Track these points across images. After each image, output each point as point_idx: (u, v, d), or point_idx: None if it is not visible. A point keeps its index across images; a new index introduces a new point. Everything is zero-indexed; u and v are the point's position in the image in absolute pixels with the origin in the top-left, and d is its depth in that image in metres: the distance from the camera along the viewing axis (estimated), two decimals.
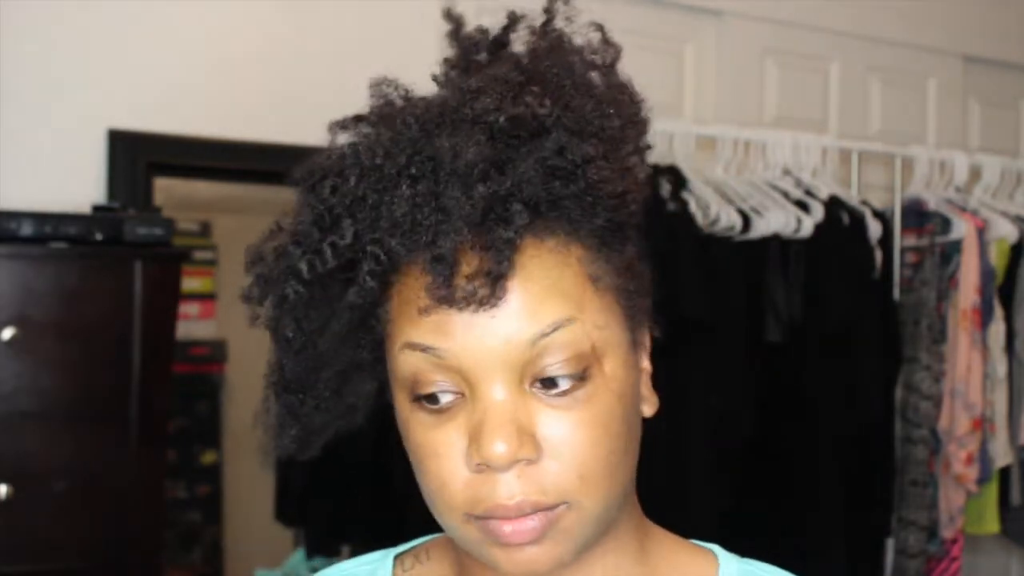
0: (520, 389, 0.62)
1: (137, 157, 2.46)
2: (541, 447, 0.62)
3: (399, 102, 0.68)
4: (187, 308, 3.14)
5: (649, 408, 0.71)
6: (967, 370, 2.79)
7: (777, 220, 2.55)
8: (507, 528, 0.62)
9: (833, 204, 2.65)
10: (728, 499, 2.45)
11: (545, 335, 0.62)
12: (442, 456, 0.63)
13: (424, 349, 0.63)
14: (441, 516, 0.65)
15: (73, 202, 2.28)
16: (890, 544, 2.85)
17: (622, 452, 0.64)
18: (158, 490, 2.12)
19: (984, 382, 2.84)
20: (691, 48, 3.24)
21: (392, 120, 0.66)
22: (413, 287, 0.63)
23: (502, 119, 0.62)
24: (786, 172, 2.74)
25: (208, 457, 3.40)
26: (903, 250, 2.90)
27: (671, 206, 2.46)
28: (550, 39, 0.69)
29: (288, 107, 2.55)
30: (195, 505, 3.36)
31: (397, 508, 2.16)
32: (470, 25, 0.72)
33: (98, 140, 2.44)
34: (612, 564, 0.70)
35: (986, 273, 2.85)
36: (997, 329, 2.88)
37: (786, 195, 2.65)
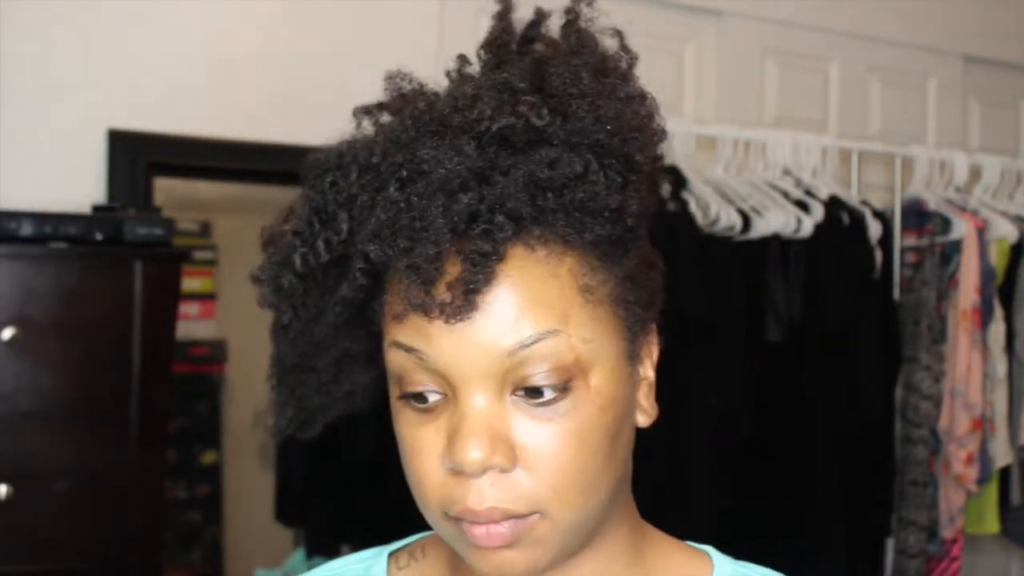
0: (500, 397, 0.63)
1: (137, 157, 2.46)
2: (516, 456, 0.62)
3: (411, 96, 0.68)
4: (187, 308, 3.14)
5: (645, 419, 0.70)
6: (967, 370, 2.79)
7: (777, 220, 2.55)
8: (478, 531, 0.63)
9: (833, 204, 2.65)
10: (728, 499, 2.45)
11: (525, 346, 0.61)
12: (422, 454, 0.64)
13: (408, 350, 0.63)
14: (422, 511, 0.66)
15: (73, 202, 2.28)
16: (890, 544, 2.85)
17: (601, 465, 0.64)
18: (158, 490, 2.12)
19: (984, 382, 2.84)
20: (691, 48, 3.24)
21: (400, 117, 0.66)
22: (398, 289, 0.63)
23: (493, 128, 0.62)
24: (786, 172, 2.74)
25: (208, 457, 3.40)
26: (903, 250, 2.90)
27: (671, 206, 2.46)
28: (567, 43, 0.68)
29: (288, 107, 2.55)
30: (195, 505, 3.36)
31: (397, 508, 2.15)
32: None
33: (98, 140, 2.44)
34: (603, 566, 0.70)
35: (986, 273, 2.85)
36: (997, 329, 2.88)
37: (786, 195, 2.65)
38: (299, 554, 2.61)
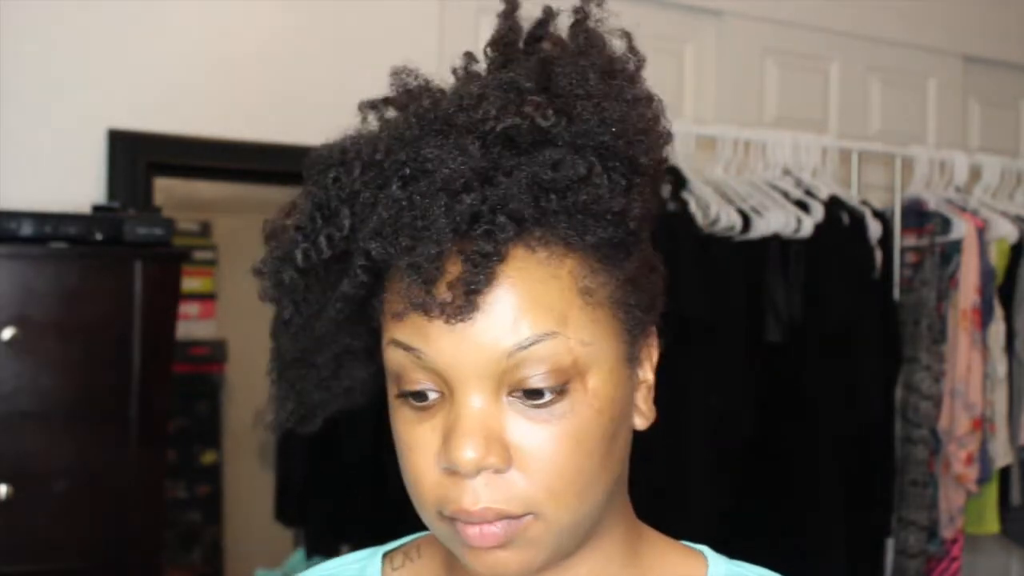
0: (497, 397, 0.63)
1: (137, 157, 2.46)
2: (511, 457, 0.62)
3: (416, 93, 0.67)
4: (187, 308, 3.14)
5: (642, 422, 0.70)
6: (967, 370, 2.79)
7: (777, 220, 2.55)
8: (472, 531, 0.63)
9: (833, 204, 2.65)
10: (728, 499, 2.45)
11: (523, 347, 0.61)
12: (417, 452, 0.64)
13: (407, 348, 0.63)
14: (418, 510, 0.66)
15: (73, 202, 2.28)
16: (890, 544, 2.85)
17: (597, 467, 0.64)
18: (158, 490, 2.12)
19: (984, 382, 2.84)
20: (691, 48, 3.24)
21: (404, 114, 0.66)
22: (398, 287, 0.63)
23: (498, 128, 0.62)
24: (786, 172, 2.74)
25: (208, 457, 3.40)
26: (903, 250, 2.90)
27: (671, 206, 2.46)
28: (575, 43, 0.67)
29: (288, 107, 2.56)
30: (195, 505, 3.36)
31: (397, 508, 2.15)
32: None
33: (98, 140, 2.44)
34: (599, 567, 0.70)
35: (986, 273, 2.85)
36: (997, 329, 2.88)
37: (786, 195, 2.65)
38: (299, 554, 2.61)
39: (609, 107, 0.64)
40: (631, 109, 0.65)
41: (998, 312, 2.89)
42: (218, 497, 3.40)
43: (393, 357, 0.64)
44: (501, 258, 0.61)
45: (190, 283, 3.06)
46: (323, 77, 2.60)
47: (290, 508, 2.62)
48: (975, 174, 3.07)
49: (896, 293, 2.85)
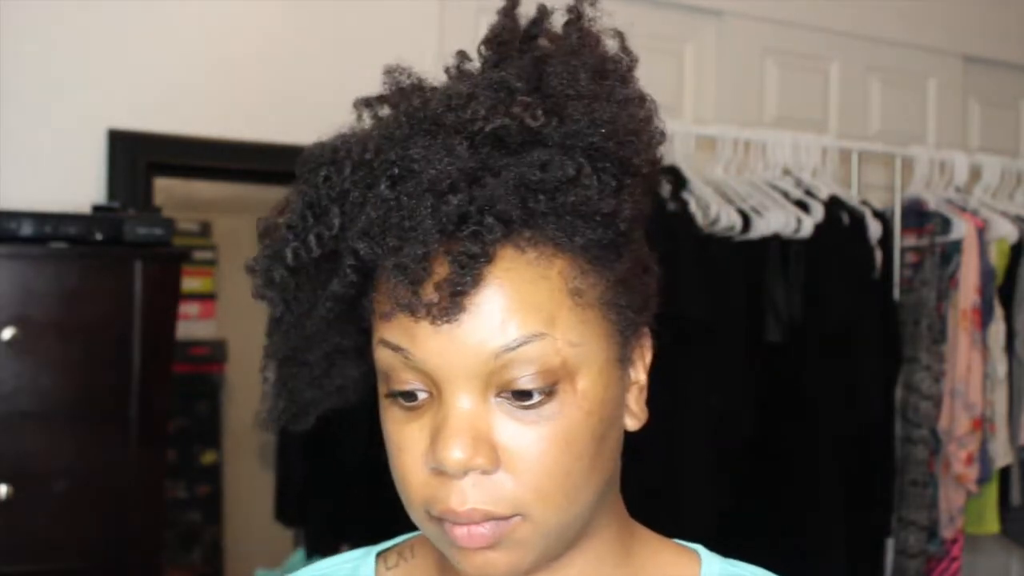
0: (485, 398, 0.62)
1: (137, 157, 2.46)
2: (499, 458, 0.62)
3: (409, 91, 0.67)
4: (187, 308, 3.14)
5: (634, 423, 0.70)
6: (967, 370, 2.79)
7: (777, 220, 2.55)
8: (460, 532, 0.63)
9: (833, 204, 2.65)
10: (728, 499, 2.45)
11: (510, 349, 0.61)
12: (406, 452, 0.64)
13: (395, 348, 0.63)
14: (407, 509, 0.66)
15: (73, 202, 2.28)
16: (890, 544, 2.85)
17: (586, 469, 0.64)
18: (158, 490, 2.12)
19: (984, 382, 2.84)
20: (691, 48, 3.24)
21: (395, 113, 0.66)
22: (386, 287, 0.63)
23: (487, 128, 0.62)
24: (786, 172, 2.74)
25: (208, 457, 3.41)
26: (903, 250, 2.90)
27: (671, 206, 2.46)
28: (568, 42, 0.67)
29: (288, 107, 2.55)
30: (195, 505, 3.36)
31: (396, 507, 2.15)
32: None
33: (98, 140, 2.44)
34: (591, 567, 0.70)
35: (986, 273, 2.85)
36: (997, 329, 2.88)
37: (786, 195, 2.65)
38: (299, 554, 2.61)
39: (599, 108, 0.64)
40: (622, 110, 0.65)
41: (998, 312, 2.89)
42: (218, 497, 3.40)
43: (382, 357, 0.64)
44: (489, 259, 0.61)
45: (190, 283, 3.06)
46: (323, 77, 2.60)
47: (290, 508, 2.62)
48: (975, 174, 3.07)
49: (896, 293, 2.85)
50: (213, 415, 3.42)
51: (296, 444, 2.47)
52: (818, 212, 2.61)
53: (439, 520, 0.63)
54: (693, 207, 2.48)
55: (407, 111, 0.65)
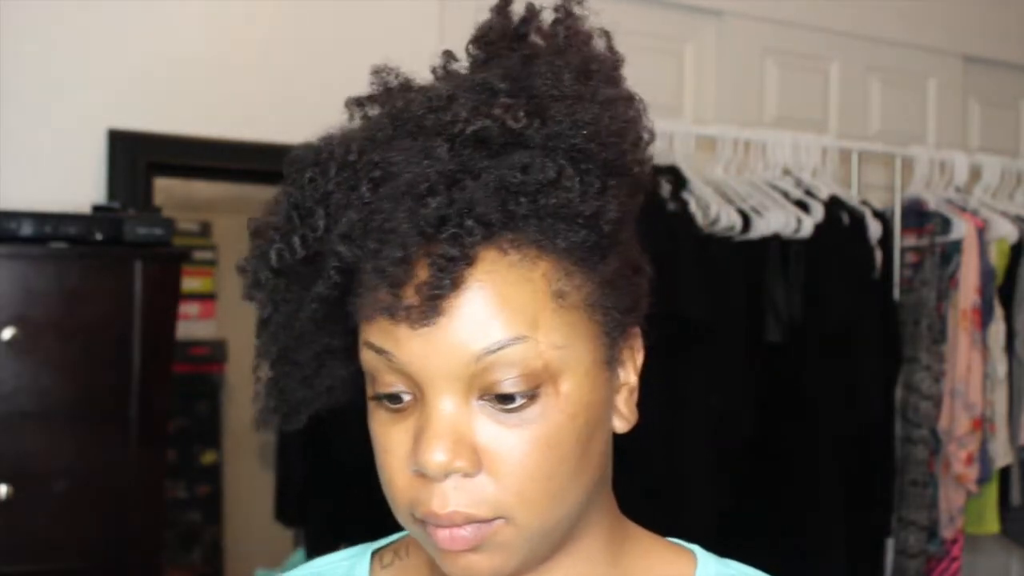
0: (467, 401, 0.62)
1: (137, 157, 2.46)
2: (481, 461, 0.62)
3: (396, 92, 0.67)
4: (187, 308, 3.14)
5: (623, 425, 0.69)
6: (967, 370, 2.79)
7: (777, 220, 2.55)
8: (442, 534, 0.63)
9: (833, 204, 2.65)
10: (728, 499, 2.45)
11: (491, 351, 0.61)
12: (391, 454, 0.64)
13: (378, 351, 0.63)
14: (393, 511, 0.66)
15: (73, 202, 2.28)
16: (890, 544, 2.85)
17: (570, 472, 0.63)
18: (158, 490, 2.12)
19: (984, 382, 2.84)
20: (691, 48, 3.24)
21: (379, 114, 0.66)
22: (368, 290, 0.63)
23: (468, 130, 0.61)
24: (786, 172, 2.74)
25: (208, 457, 3.40)
26: (903, 250, 2.90)
27: (671, 206, 2.46)
28: (554, 42, 0.67)
29: (288, 107, 2.55)
30: (195, 505, 3.36)
31: None
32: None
33: (98, 140, 2.44)
34: (581, 569, 0.70)
35: (986, 273, 2.85)
36: (997, 329, 2.89)
37: (786, 195, 2.65)
38: (299, 554, 2.61)
39: (582, 108, 0.63)
40: (604, 110, 0.64)
41: (998, 312, 2.89)
42: (218, 497, 3.40)
43: (367, 359, 0.64)
44: (469, 262, 0.60)
45: (190, 283, 3.06)
46: (323, 77, 2.60)
47: (290, 508, 2.62)
48: (975, 174, 3.07)
49: (896, 293, 2.85)
50: (213, 415, 3.42)
51: (296, 444, 2.47)
52: (818, 212, 2.61)
53: (423, 522, 0.63)
54: (693, 207, 2.48)
55: (390, 112, 0.65)
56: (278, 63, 2.61)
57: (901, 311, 2.85)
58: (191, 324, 3.23)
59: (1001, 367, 2.88)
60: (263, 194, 0.69)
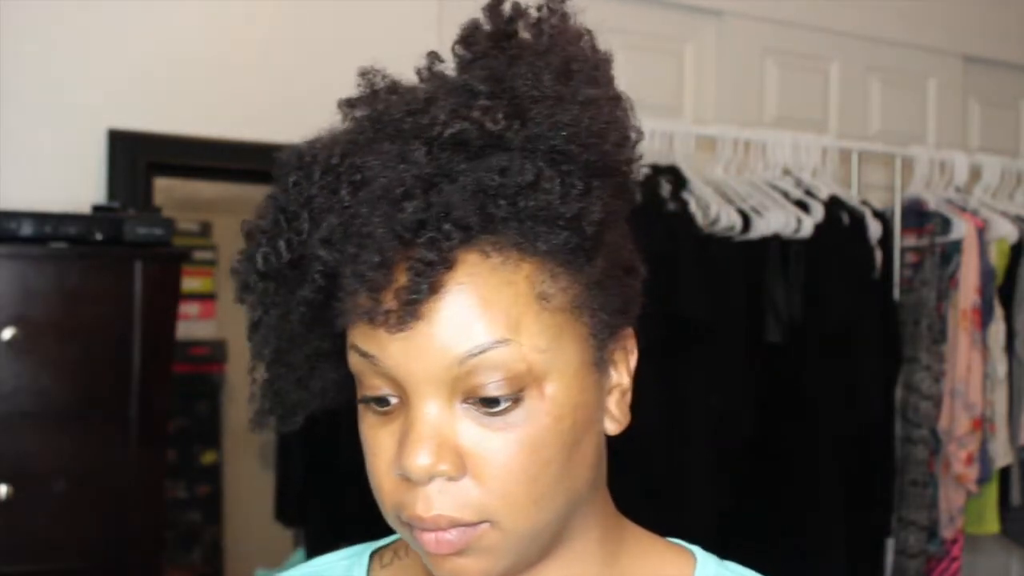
0: (450, 404, 0.62)
1: (137, 157, 2.46)
2: (465, 465, 0.62)
3: (382, 94, 0.67)
4: (187, 308, 3.13)
5: (614, 427, 0.69)
6: (967, 370, 2.79)
7: (777, 220, 2.55)
8: (427, 537, 0.62)
9: (833, 204, 2.65)
10: (728, 499, 2.45)
11: (473, 355, 0.60)
12: (379, 457, 0.64)
13: (363, 354, 0.63)
14: (382, 514, 0.66)
15: (73, 202, 2.28)
16: (890, 544, 2.85)
17: (556, 476, 0.63)
18: (158, 490, 2.12)
19: (984, 382, 2.84)
20: (691, 48, 3.24)
21: (360, 118, 0.66)
22: (349, 294, 0.63)
23: (446, 133, 0.61)
24: (786, 172, 2.74)
25: (208, 457, 3.40)
26: (903, 250, 2.90)
27: (671, 206, 2.46)
28: (538, 42, 0.66)
29: (288, 107, 2.55)
30: (195, 505, 3.36)
31: None
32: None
33: (98, 140, 2.44)
34: (574, 568, 0.70)
35: (986, 273, 2.85)
36: (997, 329, 2.89)
37: (786, 195, 2.65)
38: (299, 554, 2.61)
39: (561, 110, 0.62)
40: (584, 111, 0.63)
41: (998, 312, 2.89)
42: (218, 497, 3.40)
43: (353, 362, 0.64)
44: (449, 265, 0.60)
45: (190, 283, 3.05)
46: (323, 77, 2.58)
47: (290, 508, 2.62)
48: (975, 174, 3.07)
49: (896, 293, 2.85)
50: (213, 415, 3.42)
51: (296, 444, 2.47)
52: (818, 212, 2.61)
53: (409, 525, 0.63)
54: (693, 207, 2.48)
55: (371, 115, 0.64)
56: (278, 63, 2.61)
57: (901, 311, 2.85)
58: (191, 324, 3.22)
59: (1001, 367, 2.88)
60: (263, 194, 0.69)
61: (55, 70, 2.41)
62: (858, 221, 2.68)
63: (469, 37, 0.67)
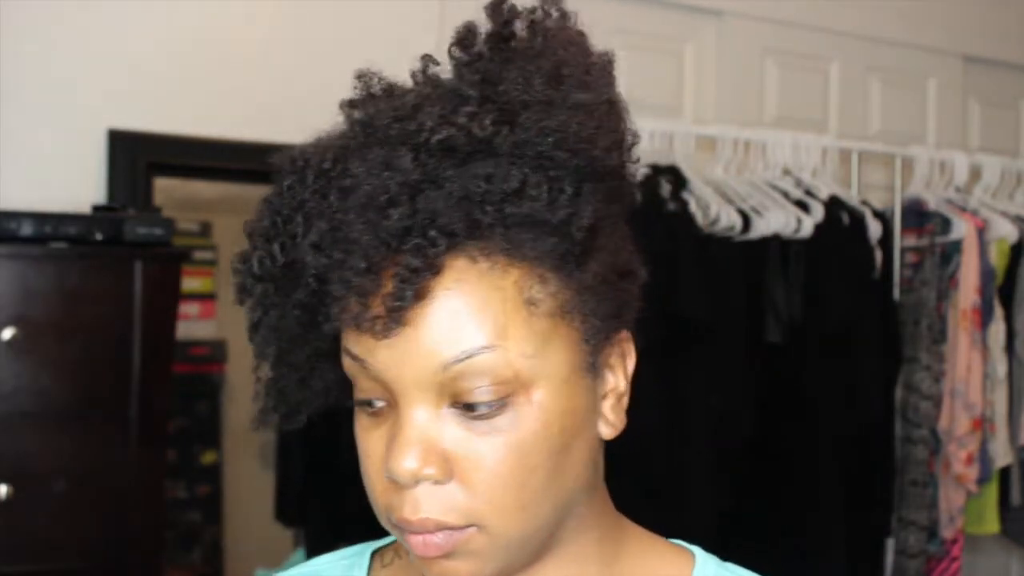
0: (437, 409, 0.62)
1: (137, 157, 2.46)
2: (452, 469, 0.62)
3: (378, 97, 0.67)
4: (187, 308, 3.14)
5: (609, 431, 0.68)
6: (967, 370, 2.79)
7: (777, 220, 2.55)
8: (415, 540, 0.63)
9: (833, 204, 2.65)
10: (728, 499, 2.45)
11: (459, 361, 0.61)
12: (371, 459, 0.65)
13: (354, 358, 0.63)
14: (375, 514, 0.67)
15: (73, 202, 2.28)
16: (890, 544, 2.85)
17: (544, 481, 0.63)
18: (158, 490, 2.12)
19: (984, 382, 2.84)
20: (691, 48, 3.24)
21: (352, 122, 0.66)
22: (337, 299, 0.63)
23: (433, 140, 0.61)
24: (786, 172, 2.74)
25: (208, 457, 3.40)
26: (903, 250, 2.90)
27: (671, 206, 2.46)
28: (531, 45, 0.65)
29: (288, 107, 2.55)
30: (195, 505, 3.36)
31: None
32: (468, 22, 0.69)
33: (98, 140, 2.44)
34: (572, 569, 0.70)
35: (986, 273, 2.85)
36: (997, 329, 2.89)
37: (786, 195, 2.65)
38: (299, 554, 2.61)
39: (550, 115, 0.62)
40: (573, 116, 0.62)
41: (998, 312, 2.89)
42: (218, 497, 3.40)
43: (346, 364, 0.65)
44: (436, 271, 0.60)
45: (190, 283, 3.05)
46: (323, 77, 2.59)
47: (290, 508, 2.62)
48: (975, 174, 3.07)
49: (896, 293, 2.85)
50: (213, 415, 3.42)
51: (296, 444, 2.47)
52: (818, 212, 2.61)
53: (399, 527, 0.64)
54: (693, 207, 2.48)
55: (363, 120, 0.64)
56: (278, 63, 2.61)
57: (901, 311, 2.85)
58: (191, 324, 3.22)
59: (1001, 367, 2.88)
60: (262, 194, 0.69)
61: (55, 70, 2.41)
62: (858, 221, 2.68)
63: (465, 40, 0.66)
